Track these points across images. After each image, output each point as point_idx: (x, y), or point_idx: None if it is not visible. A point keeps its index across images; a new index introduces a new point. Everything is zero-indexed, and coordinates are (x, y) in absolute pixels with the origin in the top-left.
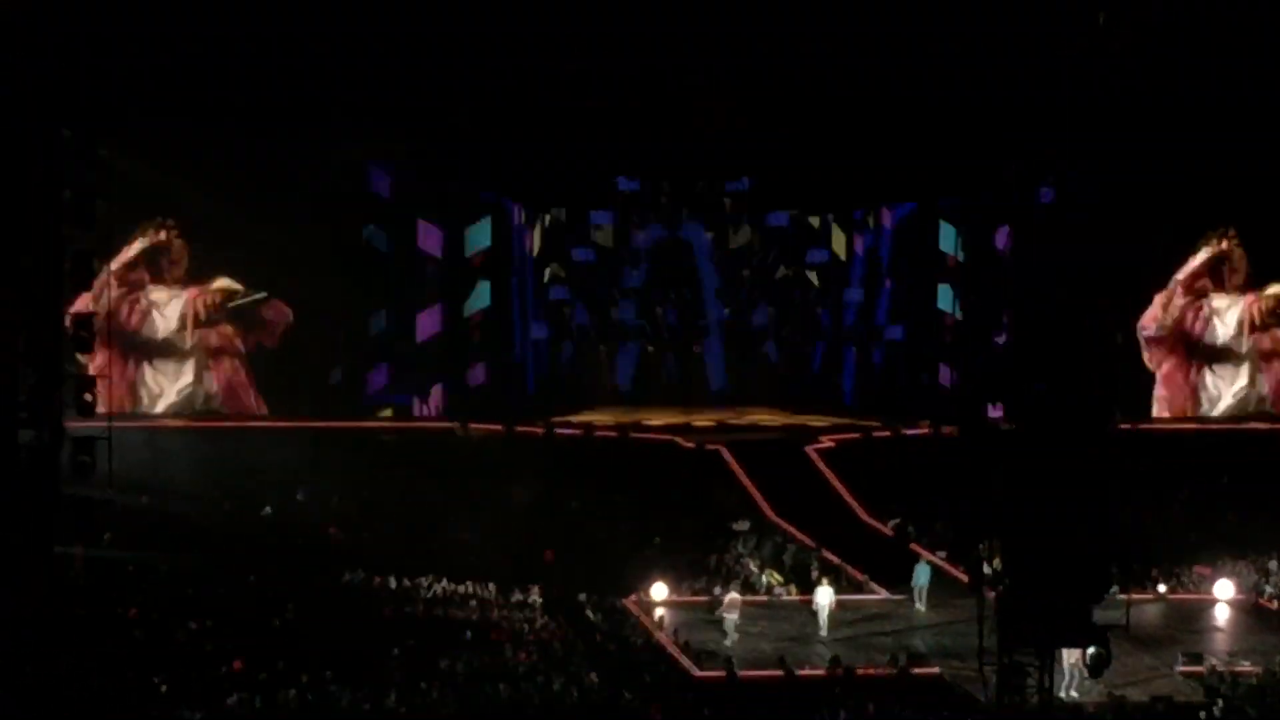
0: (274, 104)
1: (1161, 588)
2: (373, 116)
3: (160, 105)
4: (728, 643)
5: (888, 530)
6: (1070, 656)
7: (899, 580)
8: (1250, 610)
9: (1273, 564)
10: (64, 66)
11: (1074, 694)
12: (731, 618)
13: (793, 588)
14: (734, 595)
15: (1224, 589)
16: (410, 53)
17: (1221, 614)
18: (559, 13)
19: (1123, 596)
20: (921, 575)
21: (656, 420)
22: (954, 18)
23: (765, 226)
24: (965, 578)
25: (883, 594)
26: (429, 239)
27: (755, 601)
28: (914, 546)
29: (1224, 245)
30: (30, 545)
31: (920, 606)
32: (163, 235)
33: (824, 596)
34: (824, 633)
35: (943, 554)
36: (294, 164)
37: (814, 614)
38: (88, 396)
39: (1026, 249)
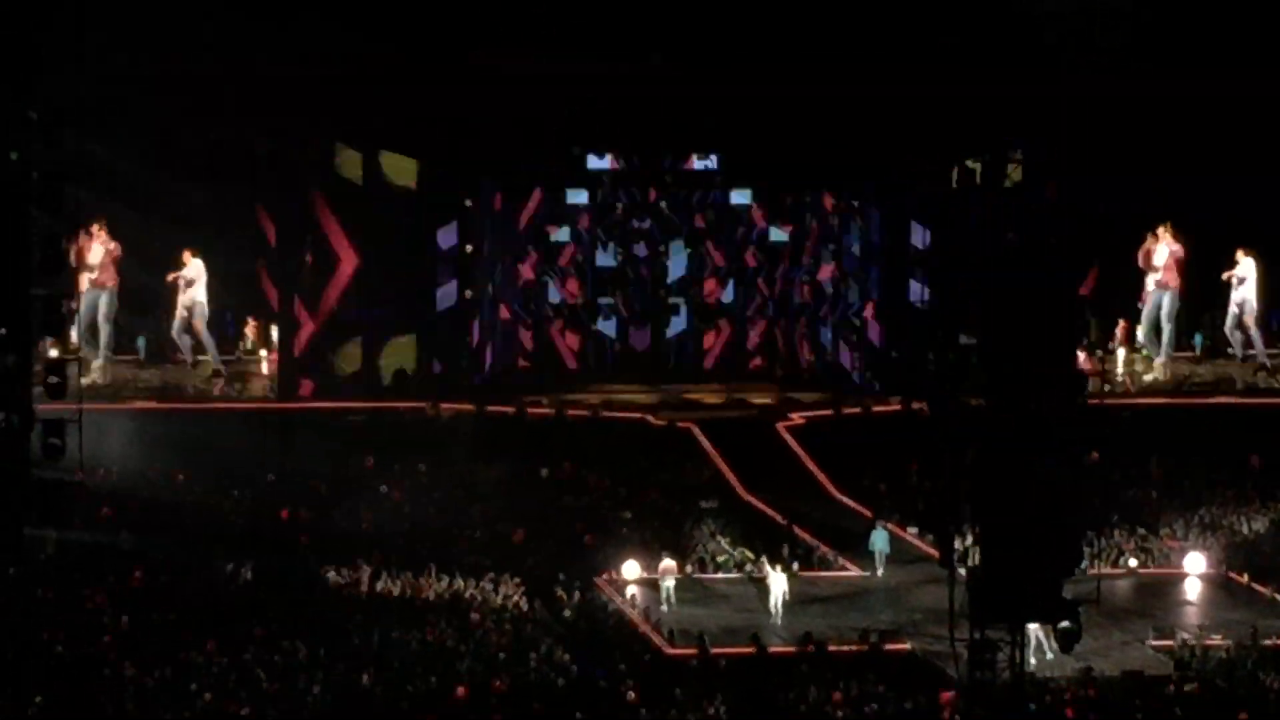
0: (245, 95)
1: (1133, 562)
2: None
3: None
4: (664, 608)
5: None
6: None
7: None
8: (1220, 584)
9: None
10: (27, 47)
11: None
12: (666, 584)
13: (764, 562)
14: (668, 562)
15: (1194, 563)
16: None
17: (1192, 588)
18: None
19: (1093, 571)
20: (879, 540)
21: (626, 399)
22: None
23: (733, 205)
24: (935, 552)
25: (853, 570)
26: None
27: (725, 578)
28: (869, 513)
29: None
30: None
31: (880, 571)
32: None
33: (777, 585)
34: (778, 620)
35: (914, 529)
36: (264, 150)
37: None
38: (55, 379)
39: (994, 231)
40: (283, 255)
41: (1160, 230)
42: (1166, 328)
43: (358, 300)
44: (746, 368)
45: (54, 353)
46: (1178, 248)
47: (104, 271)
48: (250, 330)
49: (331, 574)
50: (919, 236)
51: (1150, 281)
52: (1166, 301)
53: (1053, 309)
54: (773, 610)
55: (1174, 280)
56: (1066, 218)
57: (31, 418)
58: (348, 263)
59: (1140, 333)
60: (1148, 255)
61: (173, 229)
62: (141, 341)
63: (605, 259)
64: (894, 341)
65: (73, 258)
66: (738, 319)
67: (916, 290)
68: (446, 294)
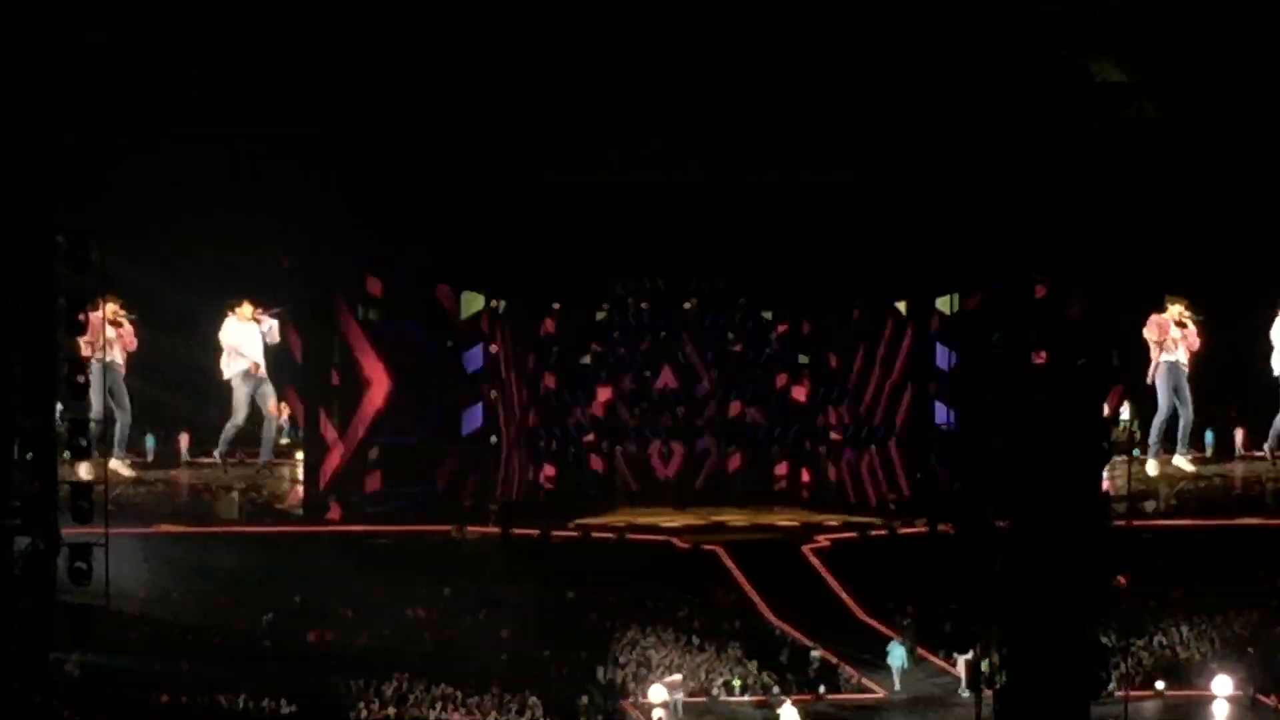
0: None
1: (1159, 685)
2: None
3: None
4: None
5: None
6: None
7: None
8: (1248, 706)
9: None
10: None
11: None
12: (677, 698)
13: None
14: (675, 677)
15: (1222, 685)
16: None
17: (1220, 710)
18: None
19: (1120, 694)
20: (895, 656)
21: (651, 522)
22: None
23: (754, 323)
24: (961, 674)
25: (878, 692)
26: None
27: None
28: (887, 629)
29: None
30: (25, 653)
31: (898, 687)
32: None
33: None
34: None
35: (941, 652)
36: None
37: None
38: (84, 503)
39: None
40: (310, 374)
41: (1172, 306)
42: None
43: (391, 424)
44: (772, 490)
45: (83, 474)
46: (1190, 333)
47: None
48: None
49: (350, 695)
50: (943, 358)
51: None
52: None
53: (1077, 429)
54: None
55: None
56: (1093, 336)
57: (58, 541)
58: (379, 385)
59: (1154, 428)
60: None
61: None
62: (151, 441)
63: (629, 380)
64: (920, 463)
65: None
66: (763, 440)
67: (942, 413)
68: (472, 417)
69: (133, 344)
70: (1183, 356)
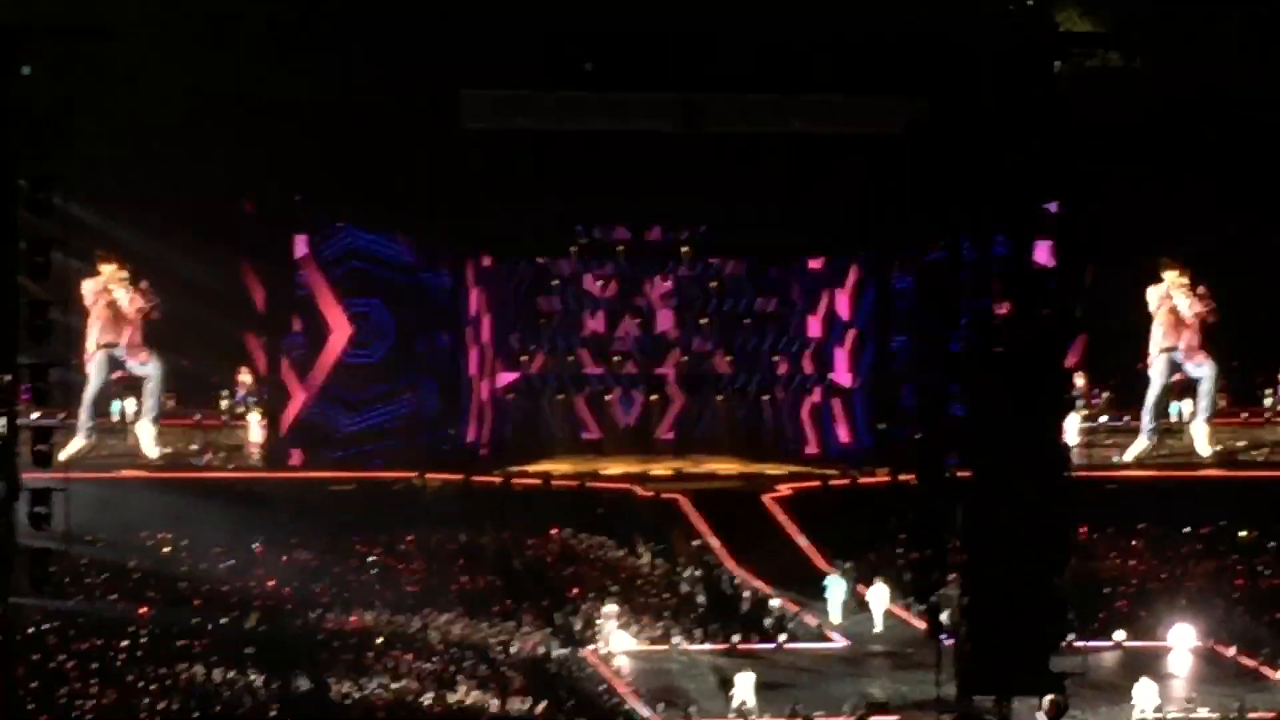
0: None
1: (1119, 635)
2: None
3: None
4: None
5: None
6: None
7: (856, 627)
8: (1207, 657)
9: None
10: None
11: None
12: (609, 626)
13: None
14: (610, 607)
15: (1181, 636)
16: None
17: (1179, 661)
18: None
19: (1080, 644)
20: (835, 588)
21: (614, 469)
22: None
23: (721, 273)
24: (922, 623)
25: (840, 641)
26: None
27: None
28: (824, 563)
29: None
30: None
31: (837, 620)
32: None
33: (744, 684)
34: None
35: (902, 602)
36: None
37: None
38: (43, 447)
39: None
40: (271, 321)
41: (1170, 275)
42: (1203, 403)
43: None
44: (734, 438)
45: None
46: (1201, 308)
47: (135, 332)
48: (242, 387)
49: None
50: (907, 308)
51: (1165, 338)
52: (1206, 373)
53: (1039, 380)
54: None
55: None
56: (1058, 287)
57: (18, 486)
58: (340, 332)
59: (1147, 408)
60: (1171, 311)
61: (161, 293)
62: (117, 406)
63: (594, 329)
64: (883, 412)
65: (94, 310)
66: (725, 388)
67: (905, 362)
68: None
69: (154, 312)
70: (1182, 343)
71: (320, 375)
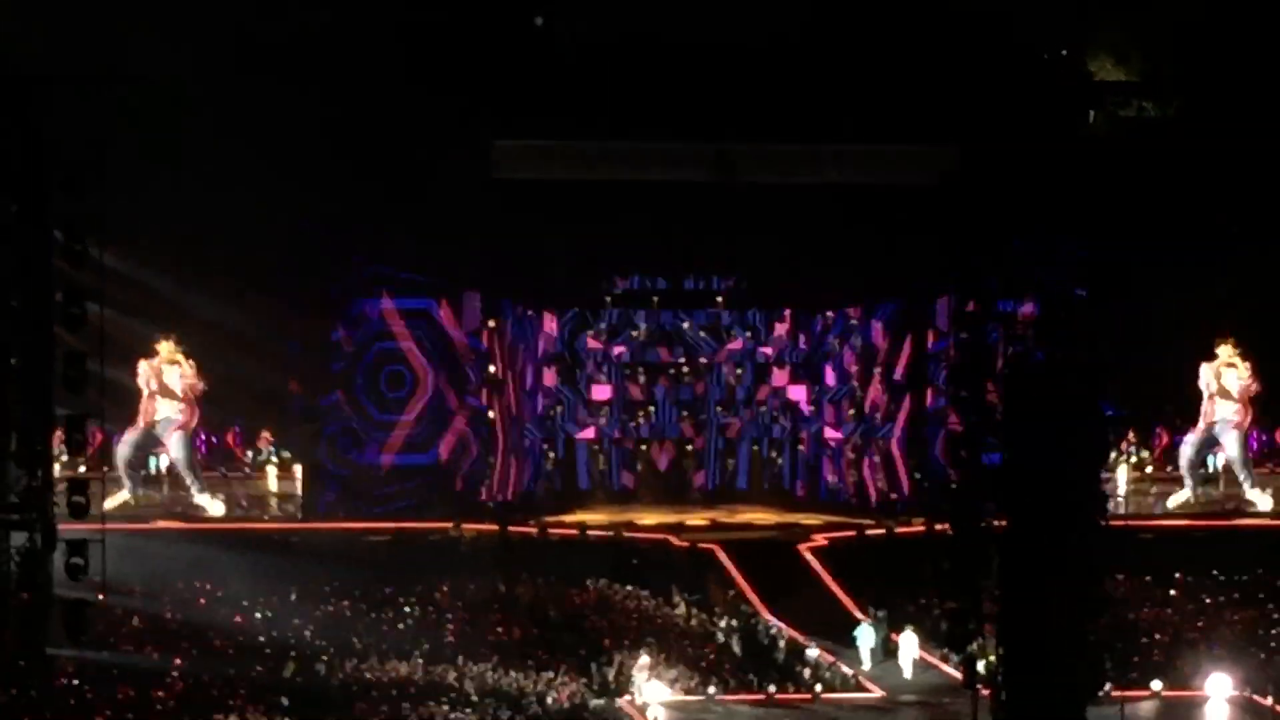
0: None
1: (1156, 684)
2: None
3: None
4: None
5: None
6: None
7: (887, 676)
8: (1244, 706)
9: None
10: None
11: None
12: (641, 677)
13: None
14: (644, 658)
15: (1218, 685)
16: None
17: (1215, 710)
18: None
19: (1117, 694)
20: (864, 636)
21: (649, 519)
22: None
23: (754, 324)
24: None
25: (876, 692)
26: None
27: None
28: (859, 612)
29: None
30: (23, 648)
31: (866, 666)
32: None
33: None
34: None
35: (939, 653)
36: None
37: None
38: (79, 498)
39: (1017, 353)
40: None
41: (1224, 350)
42: (1242, 473)
43: None
44: (770, 489)
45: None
46: (1249, 382)
47: (186, 406)
48: (264, 442)
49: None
50: (943, 358)
51: (1214, 410)
52: (1235, 444)
53: (1077, 428)
54: None
55: (1245, 418)
56: (1094, 335)
57: (54, 537)
58: None
59: (1184, 462)
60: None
61: (200, 345)
62: (154, 461)
63: (627, 379)
64: (919, 462)
65: (144, 383)
66: (761, 439)
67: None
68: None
69: (199, 386)
70: (1229, 415)
71: None
